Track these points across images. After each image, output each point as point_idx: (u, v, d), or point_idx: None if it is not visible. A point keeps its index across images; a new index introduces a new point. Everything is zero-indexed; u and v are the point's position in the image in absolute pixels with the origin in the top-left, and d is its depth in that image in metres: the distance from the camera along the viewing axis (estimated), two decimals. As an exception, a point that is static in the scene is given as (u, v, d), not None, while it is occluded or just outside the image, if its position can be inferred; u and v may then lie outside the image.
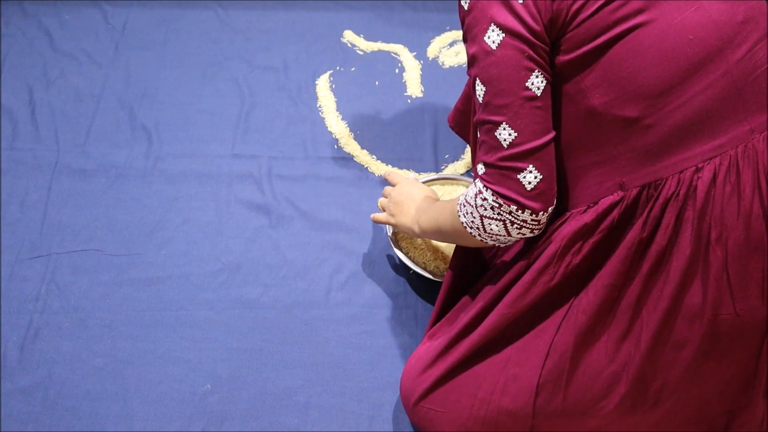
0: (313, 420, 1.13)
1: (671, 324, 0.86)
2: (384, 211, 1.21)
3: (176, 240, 1.34)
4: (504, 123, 0.84)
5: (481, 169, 0.89)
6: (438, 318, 1.11)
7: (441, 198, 1.35)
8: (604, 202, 0.87)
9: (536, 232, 0.90)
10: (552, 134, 0.86)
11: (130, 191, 1.41)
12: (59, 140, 1.49)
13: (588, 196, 0.89)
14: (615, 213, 0.86)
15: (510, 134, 0.84)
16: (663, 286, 0.86)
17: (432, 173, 1.47)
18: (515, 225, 0.88)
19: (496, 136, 0.85)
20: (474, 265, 1.12)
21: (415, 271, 1.25)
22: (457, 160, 1.50)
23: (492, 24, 0.82)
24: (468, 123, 1.31)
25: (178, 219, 1.37)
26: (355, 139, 1.54)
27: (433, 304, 1.27)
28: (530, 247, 0.95)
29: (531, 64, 0.82)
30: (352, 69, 1.67)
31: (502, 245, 0.97)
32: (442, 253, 1.27)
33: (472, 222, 0.92)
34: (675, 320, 0.86)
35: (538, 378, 0.92)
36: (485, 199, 0.88)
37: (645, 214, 0.85)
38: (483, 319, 0.97)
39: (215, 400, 1.15)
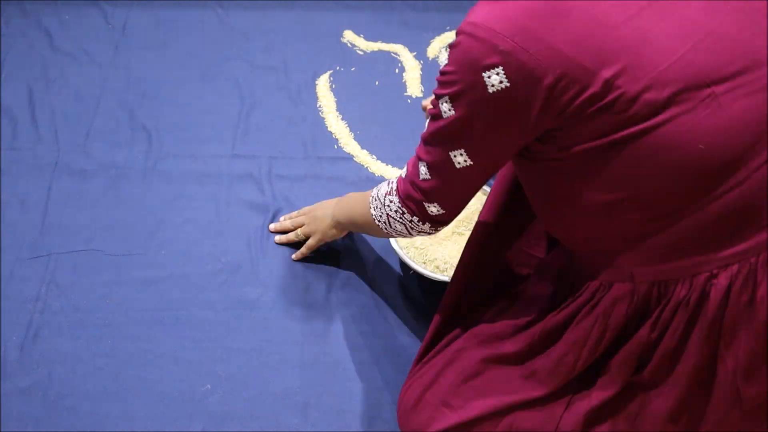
0: (313, 420, 1.13)
1: (676, 426, 0.85)
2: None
3: (176, 240, 1.34)
4: (426, 163, 0.86)
5: (403, 172, 0.93)
6: (428, 348, 1.09)
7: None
8: (614, 291, 0.83)
9: (431, 234, 0.96)
10: (467, 191, 0.88)
11: (130, 191, 1.41)
12: (59, 140, 1.49)
13: (600, 273, 0.85)
14: (623, 307, 0.83)
15: (426, 174, 0.87)
16: (670, 389, 0.84)
17: (432, 173, 1.47)
18: (415, 230, 0.95)
19: (418, 165, 0.88)
20: (465, 302, 1.10)
21: (415, 271, 1.25)
22: (457, 160, 1.50)
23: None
24: None
25: (178, 219, 1.37)
26: (355, 139, 1.54)
27: (433, 304, 1.27)
28: (537, 290, 0.95)
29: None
30: (352, 69, 1.67)
31: (405, 237, 1.01)
32: (441, 252, 1.27)
33: (380, 216, 0.99)
34: (682, 423, 0.84)
35: None
36: (392, 201, 0.95)
37: (655, 315, 0.81)
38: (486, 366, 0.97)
39: (215, 400, 1.15)
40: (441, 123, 0.80)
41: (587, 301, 0.87)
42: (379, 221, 0.99)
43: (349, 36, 1.75)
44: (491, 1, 0.74)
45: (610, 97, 0.71)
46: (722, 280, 0.76)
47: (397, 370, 1.19)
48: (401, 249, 1.27)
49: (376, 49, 1.72)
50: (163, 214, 1.38)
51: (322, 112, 1.59)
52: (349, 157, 1.50)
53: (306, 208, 1.33)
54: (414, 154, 0.89)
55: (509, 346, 0.95)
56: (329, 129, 1.55)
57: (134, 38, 1.71)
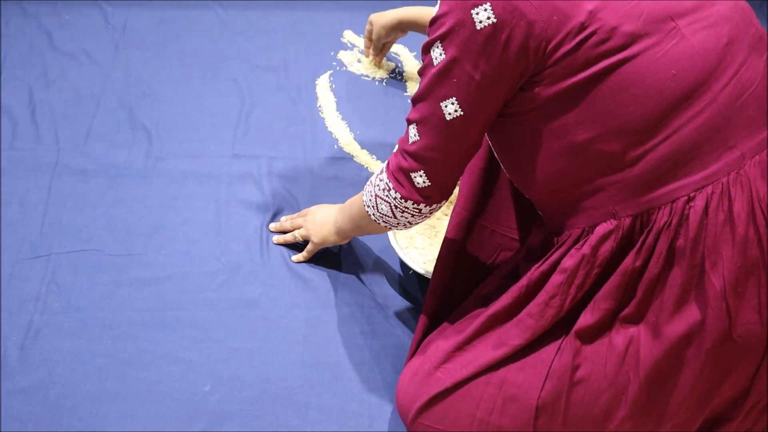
0: (313, 420, 1.13)
1: (669, 352, 0.85)
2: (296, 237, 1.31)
3: (176, 240, 1.34)
4: (415, 123, 0.90)
5: (395, 147, 0.96)
6: (424, 335, 1.10)
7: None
8: (599, 231, 0.86)
9: (419, 220, 0.98)
10: (454, 156, 0.90)
11: (130, 191, 1.41)
12: (59, 140, 1.49)
13: (582, 220, 0.89)
14: (609, 243, 0.86)
15: (415, 135, 0.90)
16: (658, 314, 0.85)
17: (432, 173, 1.47)
18: (398, 209, 0.96)
19: (407, 131, 0.92)
20: (458, 290, 1.12)
21: (415, 271, 1.25)
22: (457, 160, 1.50)
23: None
24: None
25: (178, 219, 1.37)
26: (355, 139, 1.54)
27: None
28: (525, 269, 0.95)
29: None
30: (352, 69, 1.67)
31: (395, 229, 1.03)
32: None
33: (369, 200, 1.01)
34: (673, 348, 0.85)
35: (537, 400, 0.91)
36: (381, 179, 0.97)
37: (639, 243, 0.84)
38: (484, 330, 0.97)
39: (215, 400, 1.15)
40: (432, 71, 0.83)
41: (571, 246, 0.89)
42: (368, 206, 1.01)
43: (349, 36, 1.75)
44: None
45: (591, 28, 0.77)
46: (699, 202, 0.81)
47: (397, 370, 1.19)
48: (401, 249, 1.27)
49: (376, 49, 1.72)
50: (163, 214, 1.38)
51: (322, 112, 1.59)
52: (349, 157, 1.50)
53: (305, 210, 1.32)
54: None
55: (497, 305, 0.96)
56: (329, 129, 1.55)
57: (134, 38, 1.71)
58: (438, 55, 0.82)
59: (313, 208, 1.30)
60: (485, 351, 0.96)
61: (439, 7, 0.81)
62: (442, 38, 0.81)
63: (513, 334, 0.93)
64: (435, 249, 1.28)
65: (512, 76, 0.81)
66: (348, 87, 1.64)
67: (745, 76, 0.82)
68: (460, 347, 0.98)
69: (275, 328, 1.23)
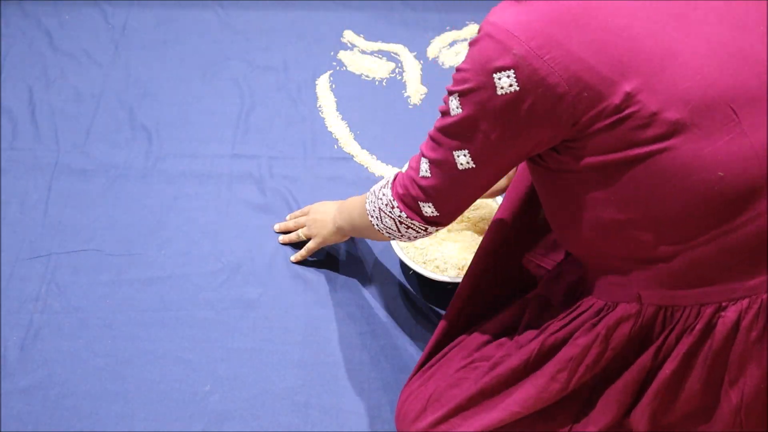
0: (313, 420, 1.13)
1: None
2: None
3: (176, 240, 1.34)
4: (428, 160, 0.85)
5: (405, 167, 0.93)
6: (430, 355, 1.08)
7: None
8: (619, 311, 0.82)
9: (423, 237, 0.95)
10: (464, 196, 0.87)
11: (130, 191, 1.41)
12: (59, 140, 1.49)
13: (606, 290, 0.85)
14: (627, 327, 0.81)
15: (427, 172, 0.86)
16: (670, 416, 0.83)
17: (432, 173, 1.47)
18: (403, 225, 0.93)
19: (420, 162, 0.87)
20: (471, 311, 1.09)
21: (415, 271, 1.24)
22: (457, 160, 1.50)
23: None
24: None
25: (178, 219, 1.37)
26: (355, 139, 1.54)
27: (433, 304, 1.27)
28: (553, 332, 0.91)
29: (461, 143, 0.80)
30: (352, 69, 1.67)
31: (399, 240, 1.00)
32: (441, 252, 1.27)
33: (373, 210, 0.98)
34: None
35: None
36: (385, 195, 0.94)
37: (660, 341, 0.80)
38: (482, 396, 0.95)
39: (215, 400, 1.15)
40: (448, 120, 0.79)
41: (589, 319, 0.85)
42: (371, 216, 0.98)
43: (349, 36, 1.75)
44: (516, 1, 0.72)
45: (629, 110, 0.68)
46: (731, 314, 0.75)
47: (396, 370, 1.19)
48: (401, 249, 1.27)
49: (376, 49, 1.72)
50: (163, 214, 1.38)
51: (322, 112, 1.59)
52: (349, 157, 1.50)
53: (307, 208, 1.33)
54: (418, 152, 0.88)
55: (505, 365, 0.93)
56: (329, 129, 1.55)
57: (134, 38, 1.71)
58: (455, 107, 0.77)
59: (316, 205, 1.30)
60: (492, 411, 0.93)
61: (465, 58, 0.76)
62: (461, 95, 0.76)
63: (515, 400, 0.90)
64: (435, 249, 1.28)
65: (537, 138, 0.75)
66: (348, 87, 1.64)
67: None
68: (463, 407, 0.95)
69: (275, 328, 1.23)
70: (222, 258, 1.32)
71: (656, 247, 0.75)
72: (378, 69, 1.68)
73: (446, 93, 0.80)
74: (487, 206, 1.34)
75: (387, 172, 1.48)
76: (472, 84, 0.74)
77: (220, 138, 1.51)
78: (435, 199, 0.88)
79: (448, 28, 1.77)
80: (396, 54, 1.72)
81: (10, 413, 1.12)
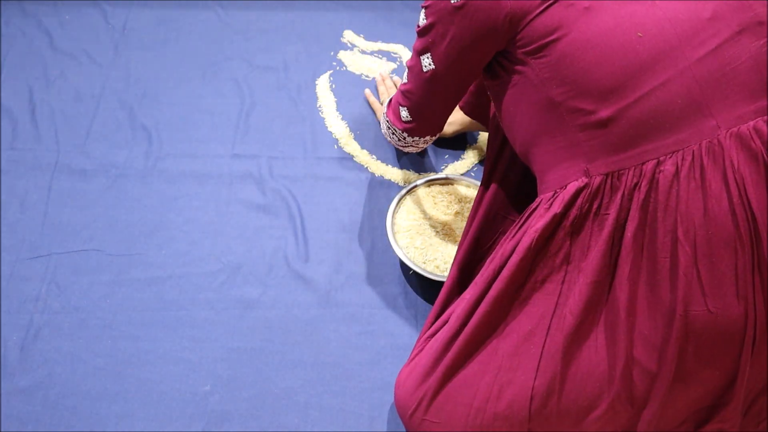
0: (313, 420, 1.13)
1: (649, 323, 0.86)
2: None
3: (176, 240, 1.34)
4: (407, 68, 1.05)
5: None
6: (437, 315, 1.11)
7: (442, 200, 1.35)
8: (570, 188, 0.89)
9: (407, 146, 1.17)
10: (432, 103, 1.05)
11: (130, 191, 1.41)
12: (59, 140, 1.49)
13: (557, 180, 0.92)
14: (580, 200, 0.88)
15: (405, 77, 1.06)
16: (636, 284, 0.86)
17: (432, 173, 1.47)
18: (390, 130, 1.16)
19: (405, 72, 1.06)
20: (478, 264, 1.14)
21: (415, 271, 1.25)
22: (457, 160, 1.50)
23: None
24: (480, 104, 1.34)
25: (178, 219, 1.37)
26: (355, 139, 1.54)
27: (433, 304, 1.27)
28: (512, 236, 0.96)
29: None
30: (352, 69, 1.67)
31: (399, 149, 1.21)
32: (441, 252, 1.27)
33: (385, 127, 1.19)
34: (653, 319, 0.86)
35: (532, 381, 0.92)
36: (387, 120, 1.16)
37: (617, 205, 0.86)
38: (470, 316, 0.97)
39: (215, 400, 1.15)
40: (418, 30, 0.98)
41: (543, 205, 0.92)
42: (381, 119, 1.21)
43: (349, 36, 1.75)
44: None
45: None
46: (668, 167, 0.83)
47: (397, 371, 1.19)
48: (401, 249, 1.27)
49: (376, 49, 1.72)
50: (163, 214, 1.38)
51: (322, 112, 1.59)
52: (349, 157, 1.50)
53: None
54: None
55: (472, 291, 0.97)
56: (329, 129, 1.55)
57: (134, 38, 1.71)
58: (422, 18, 0.97)
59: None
60: (478, 342, 0.96)
61: None
62: (426, 7, 0.96)
63: (488, 299, 0.94)
64: (435, 249, 1.28)
65: (483, 43, 0.91)
66: (348, 87, 1.64)
67: (729, 52, 0.82)
68: (455, 337, 0.98)
69: (275, 328, 1.23)
70: (222, 258, 1.32)
71: (595, 113, 0.85)
72: (378, 69, 1.68)
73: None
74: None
75: (387, 171, 1.48)
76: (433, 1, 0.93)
77: (220, 138, 1.51)
78: (409, 103, 1.07)
79: (448, 28, 1.77)
80: (396, 54, 1.72)
81: (10, 413, 1.12)
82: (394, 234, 1.29)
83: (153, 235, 1.35)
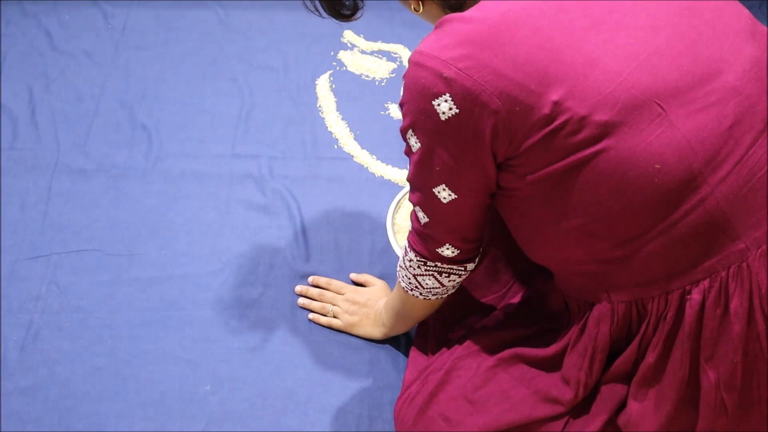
0: (313, 420, 1.13)
1: None
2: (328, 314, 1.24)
3: (176, 240, 1.34)
4: (419, 207, 0.87)
5: (411, 230, 0.94)
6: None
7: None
8: (595, 312, 0.85)
9: (465, 274, 0.95)
10: (468, 225, 0.88)
11: (130, 191, 1.41)
12: (59, 140, 1.49)
13: (580, 294, 0.88)
14: (605, 327, 0.84)
15: (424, 218, 0.88)
16: (658, 405, 0.83)
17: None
18: (443, 274, 0.94)
19: (415, 212, 0.89)
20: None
21: (415, 271, 1.24)
22: (457, 160, 1.50)
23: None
24: None
25: (178, 219, 1.37)
26: (355, 139, 1.54)
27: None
28: (517, 319, 0.96)
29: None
30: (352, 69, 1.68)
31: (444, 296, 1.00)
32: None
33: (410, 282, 0.98)
34: None
35: None
36: (411, 259, 0.94)
37: (643, 330, 0.82)
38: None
39: (215, 400, 1.15)
40: (414, 158, 0.82)
41: (576, 319, 0.88)
42: (411, 290, 0.99)
43: (349, 36, 1.75)
44: (438, 29, 0.75)
45: (560, 120, 0.71)
46: (696, 296, 0.77)
47: (397, 370, 1.19)
48: (401, 249, 1.26)
49: (376, 49, 1.72)
50: (163, 214, 1.38)
51: (322, 112, 1.59)
52: (349, 157, 1.50)
53: (351, 295, 1.23)
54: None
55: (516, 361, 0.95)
56: (329, 129, 1.55)
57: (134, 38, 1.71)
58: (414, 143, 0.80)
59: (360, 304, 1.22)
60: (494, 409, 0.94)
61: (402, 94, 0.79)
62: (413, 128, 0.79)
63: (528, 405, 0.92)
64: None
65: (485, 158, 0.78)
66: (348, 87, 1.64)
67: (754, 158, 0.74)
68: (467, 395, 0.97)
69: (275, 328, 1.23)
70: (222, 258, 1.32)
71: (613, 248, 0.78)
72: (378, 69, 1.68)
73: (402, 134, 0.82)
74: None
75: (387, 172, 1.48)
76: (417, 116, 0.77)
77: (220, 138, 1.51)
78: (444, 239, 0.89)
79: (448, 28, 1.77)
80: (396, 54, 1.72)
81: (10, 413, 1.11)
82: (394, 234, 1.29)
83: (153, 235, 1.35)
